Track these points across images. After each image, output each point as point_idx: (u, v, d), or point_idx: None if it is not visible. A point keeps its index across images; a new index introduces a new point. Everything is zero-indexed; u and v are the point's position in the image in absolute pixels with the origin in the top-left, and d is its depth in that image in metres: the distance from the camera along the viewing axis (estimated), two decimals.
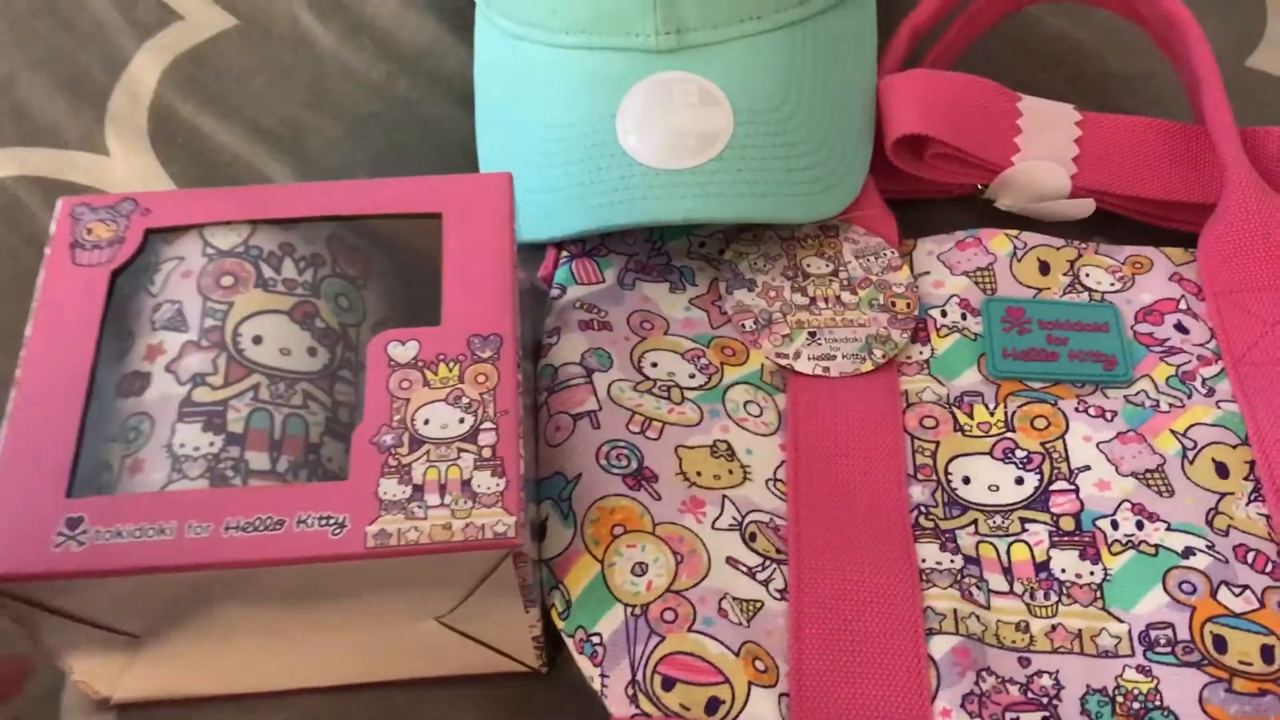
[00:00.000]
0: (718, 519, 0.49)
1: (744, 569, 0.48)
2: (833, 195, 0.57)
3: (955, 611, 0.47)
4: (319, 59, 0.68)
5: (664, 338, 0.55)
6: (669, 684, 0.45)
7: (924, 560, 0.49)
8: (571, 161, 0.57)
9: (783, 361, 0.54)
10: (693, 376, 0.54)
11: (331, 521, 0.41)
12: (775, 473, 0.51)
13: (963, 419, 0.53)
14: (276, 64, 0.68)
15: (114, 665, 0.46)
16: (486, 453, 0.43)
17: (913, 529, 0.50)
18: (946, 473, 0.52)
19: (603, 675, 0.45)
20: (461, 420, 0.44)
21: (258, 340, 0.46)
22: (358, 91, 0.67)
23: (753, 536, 0.49)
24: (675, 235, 0.60)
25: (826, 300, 0.56)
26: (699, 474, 0.50)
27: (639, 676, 0.45)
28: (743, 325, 0.55)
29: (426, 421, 0.43)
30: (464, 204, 0.49)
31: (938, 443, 0.53)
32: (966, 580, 0.48)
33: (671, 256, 0.59)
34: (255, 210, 0.49)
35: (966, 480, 0.51)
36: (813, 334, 0.55)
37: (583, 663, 0.46)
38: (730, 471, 0.51)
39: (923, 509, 0.50)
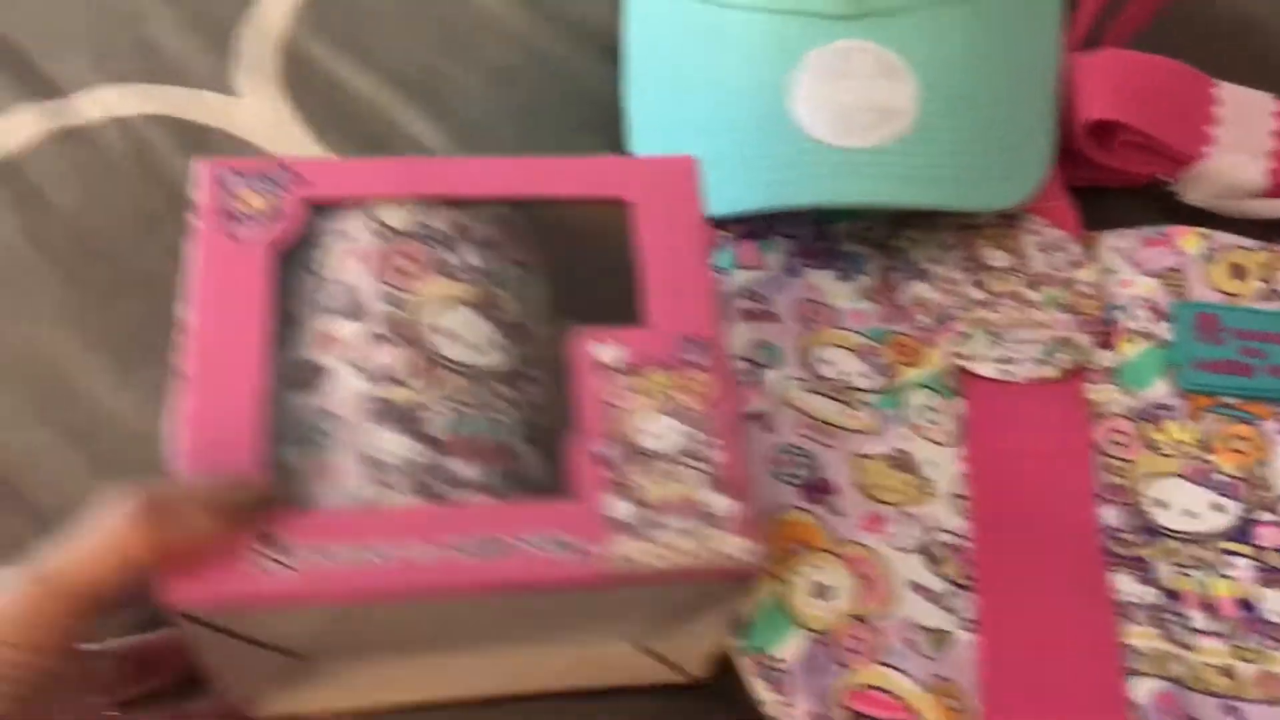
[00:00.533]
0: (900, 538, 0.46)
1: (929, 595, 0.45)
2: (1018, 182, 0.53)
3: (1157, 651, 0.44)
4: (458, 4, 0.64)
5: (834, 331, 0.52)
6: (857, 719, 0.42)
7: (1119, 592, 0.46)
8: (738, 131, 0.54)
9: (961, 362, 0.51)
10: (867, 377, 0.50)
11: (561, 543, 0.37)
12: (957, 487, 0.48)
13: (1155, 435, 0.50)
14: (413, 7, 0.64)
15: (269, 682, 0.44)
16: (716, 471, 0.40)
17: (1105, 555, 0.47)
18: (1139, 495, 0.48)
19: (785, 704, 0.43)
20: (684, 434, 0.40)
21: (448, 334, 0.42)
22: (497, 40, 0.63)
23: (938, 559, 0.46)
24: (842, 217, 0.56)
25: (1007, 297, 0.53)
26: (879, 487, 0.47)
27: (825, 709, 0.42)
28: (918, 320, 0.52)
29: (646, 434, 0.40)
30: (651, 190, 0.45)
31: (1129, 461, 0.49)
32: (1167, 616, 0.45)
33: (838, 240, 0.55)
34: (423, 185, 0.44)
35: (1161, 504, 0.48)
36: (993, 334, 0.52)
37: (758, 686, 0.44)
38: (912, 486, 0.48)
39: (1114, 533, 0.47)
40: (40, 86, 0.60)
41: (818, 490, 0.47)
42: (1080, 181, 0.58)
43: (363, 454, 0.40)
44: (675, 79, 0.57)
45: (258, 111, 0.60)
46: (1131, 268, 0.54)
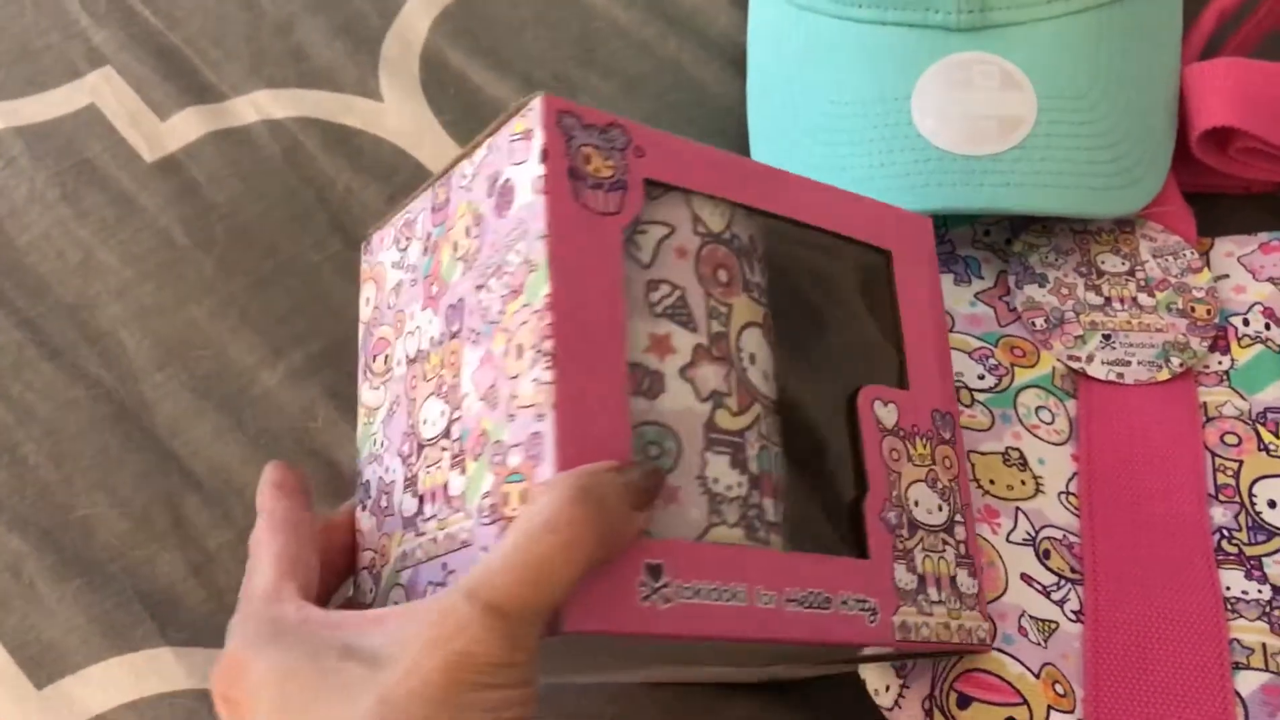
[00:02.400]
0: (1011, 532, 0.48)
1: (1039, 587, 0.46)
2: (1137, 190, 0.54)
3: (1264, 646, 0.45)
4: (588, 15, 0.67)
5: (950, 334, 0.53)
6: (965, 702, 0.44)
7: (1228, 588, 0.47)
8: (861, 141, 0.55)
9: (1074, 364, 0.52)
10: (982, 378, 0.52)
11: (866, 606, 0.39)
12: (1068, 485, 0.49)
13: (1267, 437, 0.51)
14: (546, 18, 0.67)
15: (565, 668, 0.43)
16: (962, 549, 0.42)
17: (1215, 552, 0.48)
18: (1250, 495, 0.49)
19: (904, 686, 0.44)
20: (940, 508, 0.42)
21: (753, 359, 0.40)
22: (628, 50, 0.66)
23: (1047, 553, 0.47)
24: (959, 222, 0.58)
25: (1122, 301, 0.54)
26: (992, 482, 0.49)
27: (937, 691, 0.44)
28: (1032, 323, 0.53)
29: (916, 503, 0.42)
30: (904, 243, 0.45)
31: (1240, 462, 0.50)
32: (1276, 613, 0.46)
33: (955, 245, 0.57)
34: (743, 188, 0.41)
35: (1272, 504, 0.49)
36: (1107, 336, 0.53)
37: (872, 673, 0.45)
38: (1023, 482, 0.49)
39: (1225, 532, 0.48)
40: (202, 91, 0.64)
41: None
42: (1196, 188, 0.59)
43: (700, 480, 0.38)
44: (794, 88, 0.59)
45: (400, 115, 0.64)
46: (1247, 273, 0.55)
